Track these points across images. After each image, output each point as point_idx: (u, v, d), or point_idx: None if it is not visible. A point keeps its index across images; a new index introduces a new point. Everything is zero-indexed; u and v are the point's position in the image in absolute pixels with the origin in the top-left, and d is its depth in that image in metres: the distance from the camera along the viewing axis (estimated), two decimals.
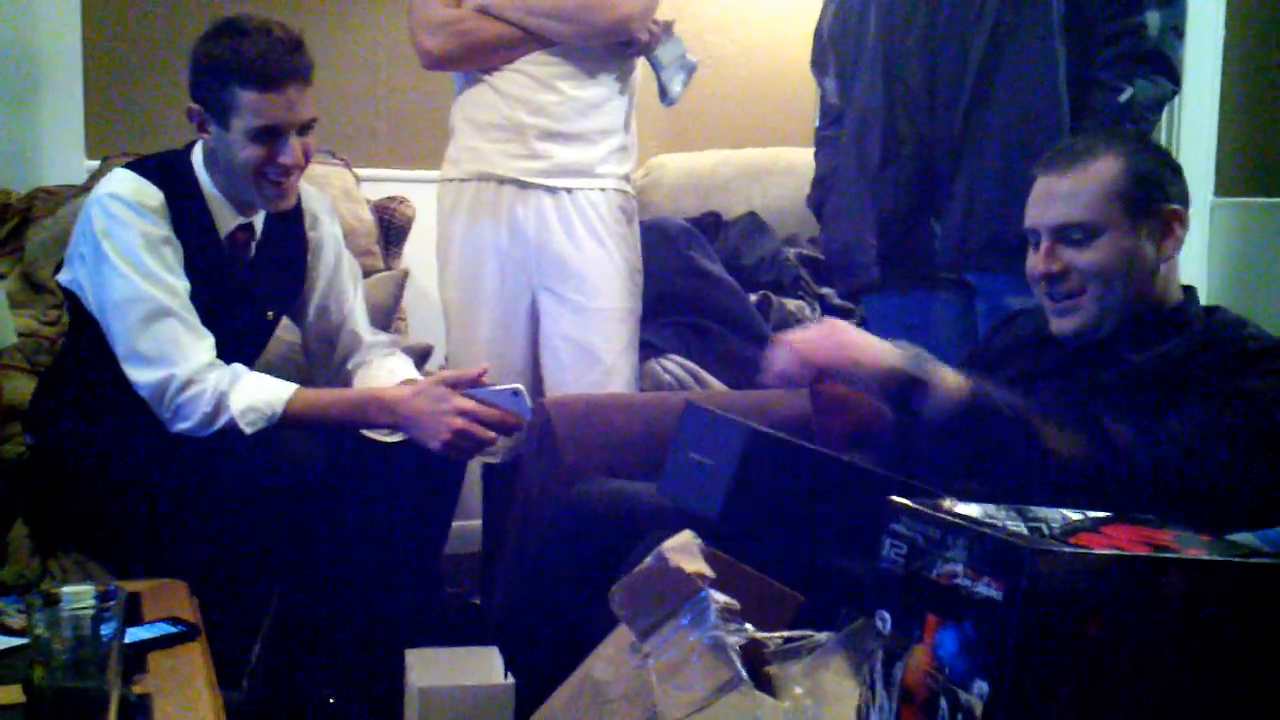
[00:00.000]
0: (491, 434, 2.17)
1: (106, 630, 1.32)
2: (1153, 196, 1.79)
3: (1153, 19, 2.20)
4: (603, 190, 2.68)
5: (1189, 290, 1.87)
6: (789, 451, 1.63)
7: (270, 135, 2.13)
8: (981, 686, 1.09)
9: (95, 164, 3.12)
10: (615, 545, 1.82)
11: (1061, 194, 1.80)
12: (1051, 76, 2.21)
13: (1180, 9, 2.25)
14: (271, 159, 2.15)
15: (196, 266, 2.18)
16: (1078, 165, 1.80)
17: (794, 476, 1.62)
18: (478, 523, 3.01)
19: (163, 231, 2.14)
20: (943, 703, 1.12)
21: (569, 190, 2.65)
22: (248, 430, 2.09)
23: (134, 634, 1.61)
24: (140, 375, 2.11)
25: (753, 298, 3.19)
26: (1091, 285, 1.79)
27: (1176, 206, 1.80)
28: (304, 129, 2.17)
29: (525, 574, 2.07)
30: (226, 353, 2.17)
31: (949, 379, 1.65)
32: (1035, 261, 1.84)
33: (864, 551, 1.54)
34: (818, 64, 2.59)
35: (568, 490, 2.06)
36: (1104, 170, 1.78)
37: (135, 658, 1.55)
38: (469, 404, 2.14)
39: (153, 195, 2.14)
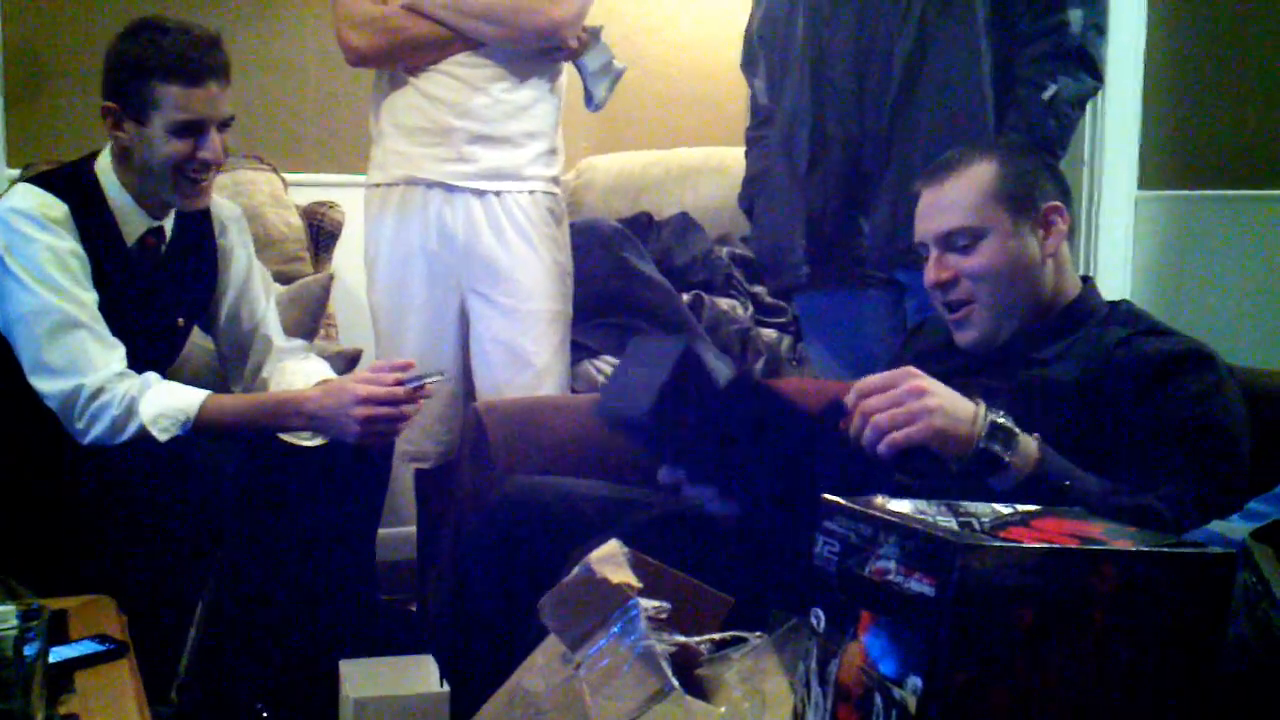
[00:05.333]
0: (395, 410, 2.15)
1: (30, 651, 1.30)
2: (1030, 195, 1.83)
3: (1075, 17, 2.23)
4: (531, 193, 2.67)
5: (1087, 281, 1.90)
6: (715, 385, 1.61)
7: (191, 130, 2.14)
8: (915, 682, 1.09)
9: (15, 173, 3.07)
10: (547, 542, 1.82)
11: (944, 203, 1.84)
12: (976, 75, 2.23)
13: (1102, 6, 2.29)
14: (192, 155, 2.15)
15: (105, 275, 2.16)
16: (954, 173, 1.84)
17: (725, 395, 1.61)
18: (413, 529, 2.99)
19: (67, 244, 2.12)
20: (877, 699, 1.13)
21: (497, 193, 2.64)
22: (161, 437, 2.07)
23: (60, 653, 1.58)
24: (48, 386, 2.09)
25: (685, 297, 3.19)
26: (981, 290, 1.82)
27: (1055, 202, 1.84)
28: (223, 125, 2.18)
29: (458, 577, 2.06)
30: (138, 361, 2.15)
31: (1029, 451, 1.55)
32: (927, 272, 1.87)
33: (789, 474, 1.57)
34: (747, 65, 2.60)
35: (498, 488, 2.04)
36: (980, 174, 1.83)
37: (61, 677, 1.52)
38: (364, 390, 2.13)
39: (55, 206, 2.12)
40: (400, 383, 2.16)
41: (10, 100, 3.24)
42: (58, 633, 1.64)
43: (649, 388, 1.56)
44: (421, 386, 2.19)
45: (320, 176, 3.49)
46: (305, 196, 3.30)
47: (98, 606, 1.82)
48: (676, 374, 1.54)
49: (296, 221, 3.20)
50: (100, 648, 1.64)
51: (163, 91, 2.11)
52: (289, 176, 3.30)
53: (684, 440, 1.59)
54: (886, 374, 1.59)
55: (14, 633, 1.29)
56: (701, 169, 3.65)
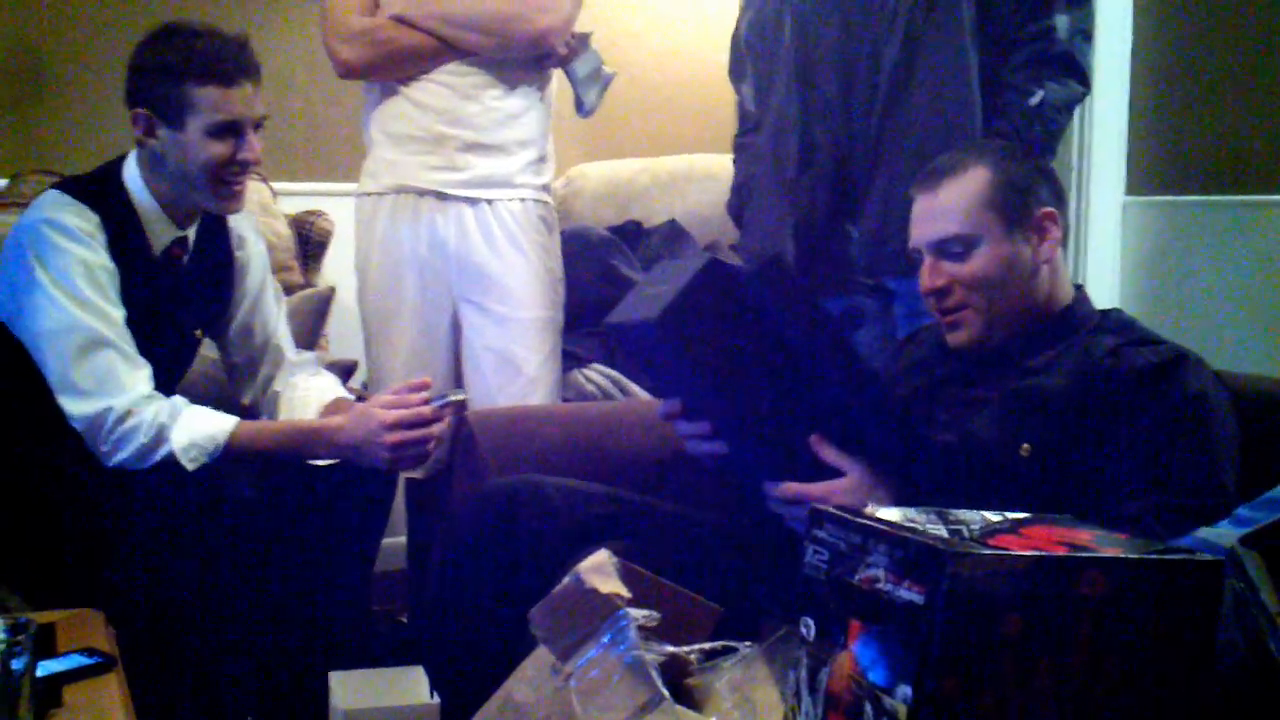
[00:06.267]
0: (419, 434, 2.12)
1: (17, 665, 1.29)
2: (1025, 201, 1.82)
3: (1061, 22, 2.24)
4: (522, 201, 2.67)
5: (1079, 289, 1.90)
6: (743, 285, 1.54)
7: (230, 131, 2.11)
8: (905, 691, 1.09)
9: (2, 183, 3.06)
10: (535, 539, 1.82)
11: (937, 210, 1.83)
12: (964, 81, 2.24)
13: (1088, 12, 2.29)
14: (232, 157, 2.12)
15: (131, 287, 2.13)
16: (948, 180, 1.83)
17: (742, 312, 1.54)
18: (403, 539, 2.98)
19: (100, 258, 2.08)
20: (867, 708, 1.13)
21: (489, 201, 2.64)
22: (190, 466, 2.04)
23: (47, 666, 1.56)
24: (75, 407, 2.05)
25: None
26: (975, 297, 1.81)
27: (1049, 208, 1.83)
28: (258, 126, 2.16)
29: (447, 584, 2.05)
30: (154, 372, 2.12)
31: None
32: (921, 278, 1.87)
33: (791, 399, 1.56)
34: (735, 71, 2.60)
35: (484, 485, 2.04)
36: (974, 181, 1.81)
37: (49, 691, 1.51)
38: (392, 416, 2.11)
39: (89, 218, 2.09)
40: (425, 402, 2.14)
41: None
42: (45, 646, 1.62)
43: (665, 294, 1.48)
44: (446, 405, 2.17)
45: (308, 185, 3.48)
46: (293, 205, 3.29)
47: (85, 619, 1.80)
48: (698, 283, 1.48)
49: (285, 231, 3.20)
50: (88, 661, 1.63)
51: (199, 94, 2.08)
52: (277, 185, 3.29)
53: (695, 353, 1.52)
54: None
55: (2, 646, 1.29)
56: (690, 176, 3.65)
